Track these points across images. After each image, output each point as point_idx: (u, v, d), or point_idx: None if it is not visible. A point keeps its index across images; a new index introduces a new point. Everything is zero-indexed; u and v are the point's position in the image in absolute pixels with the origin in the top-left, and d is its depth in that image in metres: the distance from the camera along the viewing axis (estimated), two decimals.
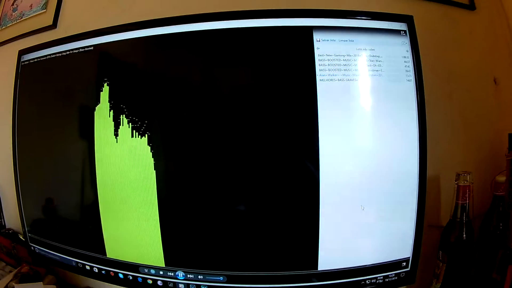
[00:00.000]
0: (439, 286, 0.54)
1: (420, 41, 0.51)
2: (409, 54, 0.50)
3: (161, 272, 0.57)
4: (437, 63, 0.58)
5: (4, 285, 0.73)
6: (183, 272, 0.56)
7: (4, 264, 0.82)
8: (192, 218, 0.55)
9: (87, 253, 0.62)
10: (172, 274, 0.56)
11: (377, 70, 0.49)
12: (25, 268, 0.75)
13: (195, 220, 0.55)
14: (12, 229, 0.86)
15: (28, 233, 0.72)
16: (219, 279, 0.54)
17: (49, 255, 0.68)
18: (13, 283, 0.71)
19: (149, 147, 0.54)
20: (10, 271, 0.78)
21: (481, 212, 0.57)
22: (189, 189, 0.55)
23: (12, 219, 0.87)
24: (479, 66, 0.64)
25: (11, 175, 0.73)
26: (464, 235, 0.52)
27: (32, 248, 0.72)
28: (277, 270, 0.52)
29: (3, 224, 0.90)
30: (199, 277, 0.55)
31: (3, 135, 0.76)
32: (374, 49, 0.49)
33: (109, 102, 0.57)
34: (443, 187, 0.59)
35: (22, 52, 0.69)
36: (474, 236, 0.53)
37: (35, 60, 0.66)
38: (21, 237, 0.81)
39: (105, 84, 0.57)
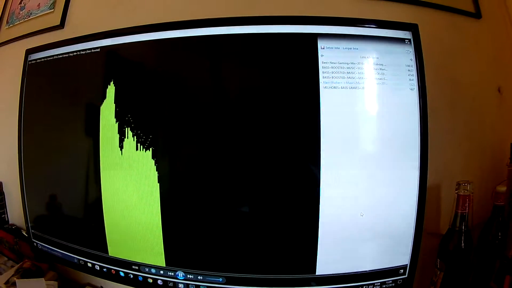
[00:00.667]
0: None
1: (425, 49, 0.51)
2: (413, 63, 0.50)
3: (161, 272, 0.58)
4: (441, 72, 0.58)
5: (6, 279, 0.74)
6: (183, 272, 0.56)
7: (6, 259, 0.83)
8: (194, 221, 0.56)
9: (89, 250, 0.63)
10: (172, 274, 0.57)
11: (380, 78, 0.49)
12: (27, 264, 0.76)
13: (196, 223, 0.56)
14: (15, 225, 0.87)
15: (31, 229, 0.73)
16: (218, 280, 0.55)
17: (51, 251, 0.69)
18: (15, 278, 0.72)
19: (152, 153, 0.55)
20: (12, 266, 0.79)
21: (480, 221, 0.57)
22: (191, 194, 0.55)
23: (16, 215, 0.88)
24: (484, 75, 0.64)
25: (16, 172, 0.74)
26: (463, 244, 0.52)
27: (35, 244, 0.73)
28: (276, 273, 0.52)
29: (7, 219, 0.91)
30: (199, 277, 0.55)
31: (9, 132, 0.77)
32: (378, 57, 0.49)
33: (114, 103, 0.57)
34: (443, 195, 0.59)
35: (29, 52, 0.70)
36: (472, 246, 0.53)
37: (42, 59, 0.67)
38: (24, 233, 0.82)
39: (111, 83, 0.57)
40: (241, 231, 0.54)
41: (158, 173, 0.55)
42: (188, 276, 0.56)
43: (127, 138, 0.56)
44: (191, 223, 0.56)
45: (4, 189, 0.90)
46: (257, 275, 0.53)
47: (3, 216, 0.90)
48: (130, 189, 0.57)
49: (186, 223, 0.56)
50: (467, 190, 0.51)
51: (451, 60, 0.61)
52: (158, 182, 0.55)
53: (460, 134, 0.61)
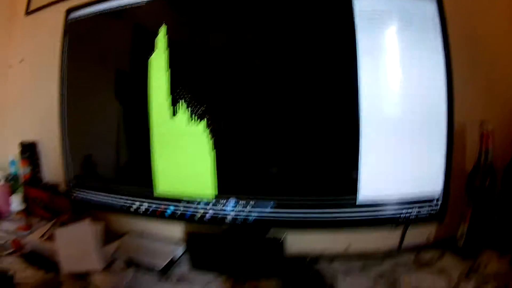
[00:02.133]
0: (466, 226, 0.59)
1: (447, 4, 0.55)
2: (436, 15, 0.54)
3: (210, 205, 0.60)
4: (463, 27, 0.61)
5: (41, 234, 0.74)
6: (236, 199, 0.59)
7: (40, 218, 0.84)
8: (243, 148, 0.59)
9: (136, 188, 0.64)
10: (222, 206, 0.59)
11: (406, 25, 0.53)
12: (64, 217, 0.77)
13: (245, 150, 0.59)
14: (51, 183, 0.88)
15: (72, 178, 0.74)
16: (270, 204, 0.57)
17: (91, 199, 0.70)
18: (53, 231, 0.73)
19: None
20: None
21: (503, 165, 0.61)
22: (242, 120, 0.59)
23: (52, 172, 0.89)
24: (506, 31, 0.65)
25: (52, 131, 0.76)
26: (488, 179, 0.57)
27: (74, 194, 0.74)
28: (322, 195, 0.55)
29: (42, 178, 0.92)
30: (251, 202, 0.58)
31: (46, 94, 0.80)
32: (406, 7, 0.54)
33: (165, 47, 0.60)
34: (468, 141, 0.62)
35: (70, 10, 0.72)
36: (497, 179, 0.58)
37: (83, 17, 0.70)
38: (60, 190, 0.83)
39: (161, 31, 0.60)
40: (291, 157, 0.57)
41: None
42: (240, 202, 0.58)
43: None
44: (241, 151, 0.59)
45: (40, 148, 0.91)
46: (304, 197, 0.56)
47: (38, 174, 0.91)
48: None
49: (236, 151, 0.59)
50: (490, 127, 0.56)
51: (474, 15, 0.64)
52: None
53: (480, 86, 0.65)
